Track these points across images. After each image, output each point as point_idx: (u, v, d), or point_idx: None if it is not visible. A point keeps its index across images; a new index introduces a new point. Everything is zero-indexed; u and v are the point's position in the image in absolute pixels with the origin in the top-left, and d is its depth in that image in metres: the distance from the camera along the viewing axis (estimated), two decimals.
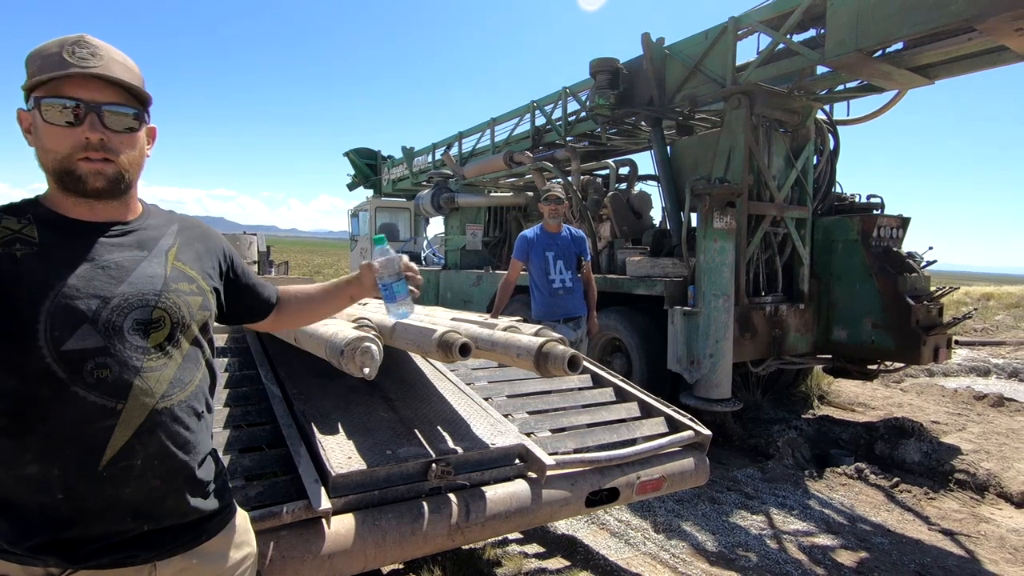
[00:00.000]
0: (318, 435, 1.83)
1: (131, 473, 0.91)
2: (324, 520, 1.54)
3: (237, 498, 1.20)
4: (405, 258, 1.29)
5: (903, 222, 5.12)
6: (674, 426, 2.38)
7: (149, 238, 1.02)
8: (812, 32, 4.41)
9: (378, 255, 1.27)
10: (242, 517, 1.16)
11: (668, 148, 5.76)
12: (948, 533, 3.25)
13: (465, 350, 1.69)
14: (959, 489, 3.84)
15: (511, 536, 2.86)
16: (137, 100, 0.98)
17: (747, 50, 4.77)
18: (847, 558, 2.94)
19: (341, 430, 1.91)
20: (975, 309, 10.96)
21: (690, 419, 2.37)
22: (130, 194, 1.02)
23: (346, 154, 12.89)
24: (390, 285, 1.26)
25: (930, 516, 3.46)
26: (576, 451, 2.11)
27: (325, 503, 1.54)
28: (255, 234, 7.87)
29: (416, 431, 1.97)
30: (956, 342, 8.58)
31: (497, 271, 6.73)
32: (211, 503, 1.03)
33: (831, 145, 5.48)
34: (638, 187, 6.74)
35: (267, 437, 1.92)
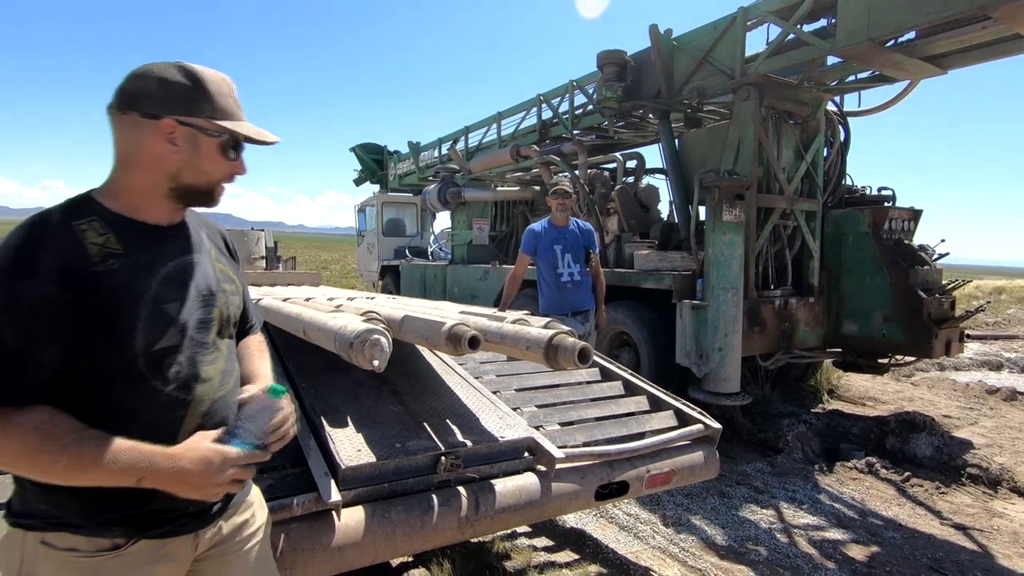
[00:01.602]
0: (327, 428, 1.83)
1: None
2: (334, 512, 1.54)
3: None
4: (282, 417, 1.04)
5: (915, 215, 5.06)
6: (683, 420, 2.37)
7: (195, 239, 1.11)
8: (823, 22, 4.36)
9: (266, 412, 1.02)
10: (255, 489, 1.27)
11: (676, 141, 5.72)
12: (960, 528, 3.23)
13: (474, 343, 1.68)
14: (971, 483, 3.81)
15: (520, 529, 2.86)
16: None
17: (756, 41, 4.72)
18: (858, 552, 2.92)
19: (350, 423, 1.91)
20: (987, 303, 10.84)
21: (700, 413, 2.36)
22: None
23: (352, 149, 12.90)
24: (240, 434, 0.99)
25: (942, 510, 3.44)
26: (585, 444, 2.11)
27: (335, 496, 1.54)
28: (263, 230, 7.89)
29: (425, 424, 1.97)
30: (968, 336, 8.49)
31: (504, 266, 6.72)
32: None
33: (841, 137, 5.41)
34: (646, 180, 6.71)
35: None
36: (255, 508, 1.23)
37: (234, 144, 1.04)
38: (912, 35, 4.06)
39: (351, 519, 1.56)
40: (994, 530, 3.20)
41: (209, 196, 1.07)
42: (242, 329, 1.26)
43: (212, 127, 1.00)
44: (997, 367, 7.96)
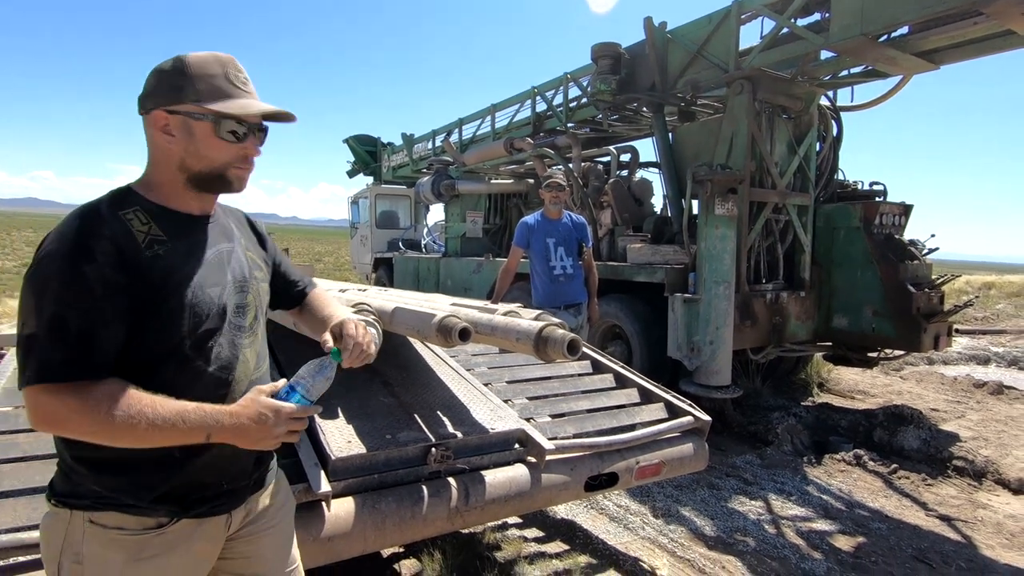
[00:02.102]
0: (318, 419, 1.84)
1: None
2: (324, 503, 1.55)
3: None
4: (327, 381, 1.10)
5: (905, 209, 5.09)
6: (673, 412, 2.39)
7: (228, 229, 1.17)
8: (816, 16, 4.36)
9: (321, 371, 1.08)
10: (280, 470, 1.33)
11: (670, 134, 5.72)
12: (945, 519, 3.27)
13: (465, 334, 1.69)
14: (957, 476, 3.86)
15: (510, 520, 2.88)
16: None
17: (750, 35, 4.74)
18: (845, 543, 2.96)
19: (341, 415, 1.92)
20: (976, 297, 10.94)
21: (689, 405, 2.38)
22: None
23: (346, 141, 12.82)
24: (299, 390, 1.05)
25: (928, 502, 3.48)
26: (576, 436, 2.12)
27: (325, 486, 1.55)
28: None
29: (416, 416, 1.98)
30: (957, 330, 8.58)
31: (498, 259, 6.72)
32: (268, 461, 1.23)
33: (834, 131, 5.43)
34: (639, 174, 6.70)
35: None
36: (282, 490, 1.29)
37: (236, 125, 1.03)
38: (905, 30, 4.08)
39: (341, 510, 1.57)
40: (978, 521, 3.25)
41: (223, 181, 1.07)
42: (297, 289, 1.36)
43: (199, 111, 1.01)
44: (985, 361, 8.05)
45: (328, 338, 1.18)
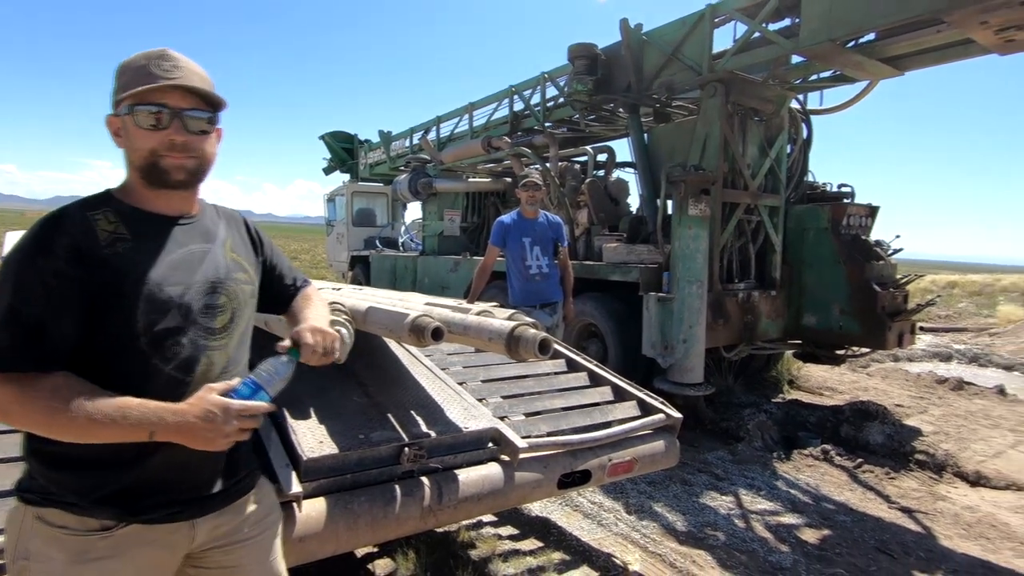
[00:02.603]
0: (289, 420, 1.82)
1: None
2: (295, 504, 1.54)
3: None
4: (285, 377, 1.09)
5: (872, 211, 5.24)
6: (646, 409, 2.42)
7: (209, 230, 1.17)
8: (787, 21, 4.45)
9: (278, 370, 1.07)
10: (265, 481, 1.30)
11: (645, 135, 5.78)
12: (907, 511, 3.39)
13: (437, 334, 1.69)
14: (919, 469, 3.99)
15: (485, 518, 2.89)
16: (210, 106, 1.09)
17: (724, 38, 4.80)
18: (811, 535, 3.04)
19: (313, 415, 1.90)
20: (939, 296, 11.29)
21: (661, 402, 2.41)
22: (198, 188, 1.15)
23: (322, 137, 12.66)
24: (251, 386, 1.03)
25: (890, 495, 3.60)
26: (549, 434, 2.14)
27: (296, 487, 1.54)
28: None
29: (389, 415, 1.97)
30: (920, 328, 8.85)
31: (475, 257, 6.72)
32: (244, 469, 1.20)
33: (804, 134, 5.56)
34: (616, 174, 6.77)
35: None
36: (265, 501, 1.26)
37: (155, 111, 1.02)
38: (872, 36, 4.19)
39: (312, 510, 1.56)
40: (937, 513, 3.37)
41: (160, 171, 1.06)
42: (289, 292, 1.37)
43: (126, 104, 1.03)
44: (947, 358, 8.32)
45: (287, 341, 1.16)
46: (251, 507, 1.21)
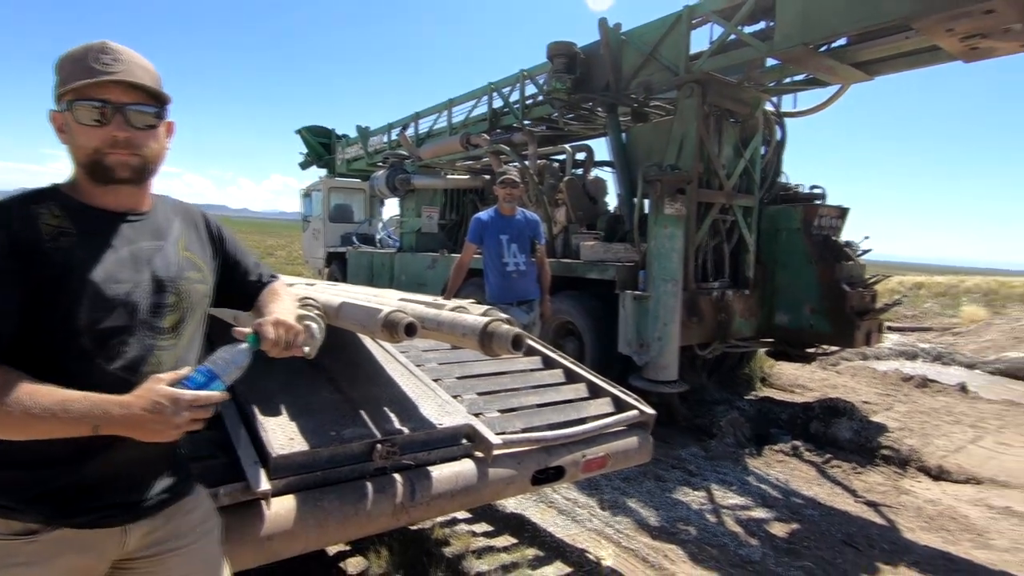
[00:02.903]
0: (259, 416, 1.79)
1: (130, 441, 0.98)
2: (263, 502, 1.51)
3: None
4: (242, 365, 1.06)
5: (842, 212, 5.36)
6: (620, 406, 2.44)
7: (161, 227, 1.14)
8: (762, 24, 4.52)
9: (234, 358, 1.04)
10: (201, 488, 1.26)
11: (623, 134, 5.82)
12: (872, 505, 3.48)
13: (411, 330, 1.68)
14: (884, 464, 4.10)
15: (460, 515, 2.89)
16: (156, 100, 1.07)
17: (701, 39, 4.86)
18: (780, 529, 3.11)
19: (284, 411, 1.87)
20: (905, 296, 11.64)
21: (635, 399, 2.44)
22: (148, 183, 1.12)
23: (299, 131, 12.47)
24: (206, 375, 1.00)
25: (857, 489, 3.69)
26: (524, 431, 2.14)
27: (264, 484, 1.52)
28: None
29: (362, 412, 1.96)
30: (887, 327, 9.09)
31: (452, 254, 6.69)
32: (180, 474, 1.16)
33: (778, 136, 5.66)
34: (594, 172, 6.79)
35: None
36: (202, 509, 1.21)
37: (96, 107, 1.00)
38: (843, 41, 4.28)
39: (281, 508, 1.54)
40: (901, 507, 3.47)
41: (104, 169, 1.03)
42: (255, 288, 1.34)
43: (66, 100, 1.01)
44: (912, 356, 8.57)
45: (247, 328, 1.13)
46: (186, 514, 1.16)
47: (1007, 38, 3.58)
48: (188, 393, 0.95)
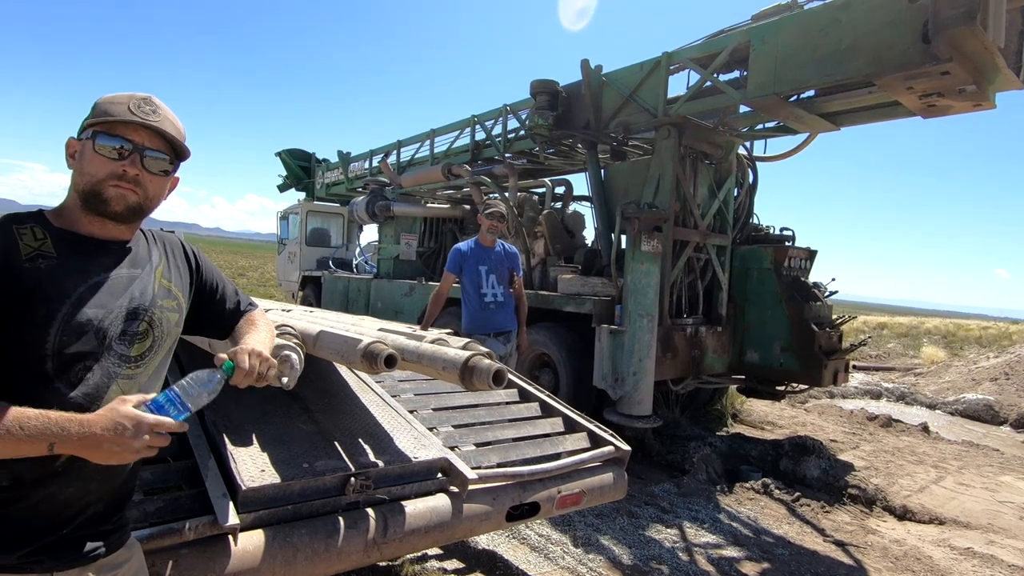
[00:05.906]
0: (229, 447, 1.74)
1: (81, 473, 0.97)
2: (231, 536, 1.46)
3: (135, 513, 1.26)
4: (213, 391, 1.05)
5: (811, 254, 5.54)
6: (596, 441, 2.44)
7: (141, 257, 1.14)
8: (737, 73, 4.73)
9: (204, 383, 1.03)
10: (134, 540, 1.20)
11: (602, 171, 5.96)
12: (840, 544, 3.51)
13: (391, 361, 1.67)
14: (851, 503, 4.16)
15: (431, 552, 2.82)
16: (175, 154, 1.12)
17: (678, 84, 5.05)
18: (751, 569, 3.11)
19: (255, 442, 1.83)
20: (870, 337, 11.98)
21: (611, 435, 2.44)
22: (136, 224, 1.14)
23: (278, 154, 12.42)
24: (172, 400, 0.98)
25: (825, 528, 3.73)
26: (499, 465, 2.12)
27: (232, 519, 1.47)
28: (173, 231, 7.39)
29: (336, 444, 1.92)
30: (853, 367, 9.32)
31: (430, 283, 6.68)
32: (121, 521, 1.12)
33: (751, 179, 5.86)
34: (572, 207, 6.91)
35: (172, 448, 1.80)
36: (131, 560, 1.15)
37: (118, 143, 1.05)
38: (812, 93, 4.50)
39: (249, 543, 1.49)
40: (868, 546, 3.51)
41: (101, 199, 1.05)
42: (233, 316, 1.33)
43: (92, 130, 1.06)
44: (877, 396, 8.78)
45: (224, 355, 1.12)
46: (118, 567, 1.10)
47: (962, 98, 3.82)
48: (150, 417, 0.93)
